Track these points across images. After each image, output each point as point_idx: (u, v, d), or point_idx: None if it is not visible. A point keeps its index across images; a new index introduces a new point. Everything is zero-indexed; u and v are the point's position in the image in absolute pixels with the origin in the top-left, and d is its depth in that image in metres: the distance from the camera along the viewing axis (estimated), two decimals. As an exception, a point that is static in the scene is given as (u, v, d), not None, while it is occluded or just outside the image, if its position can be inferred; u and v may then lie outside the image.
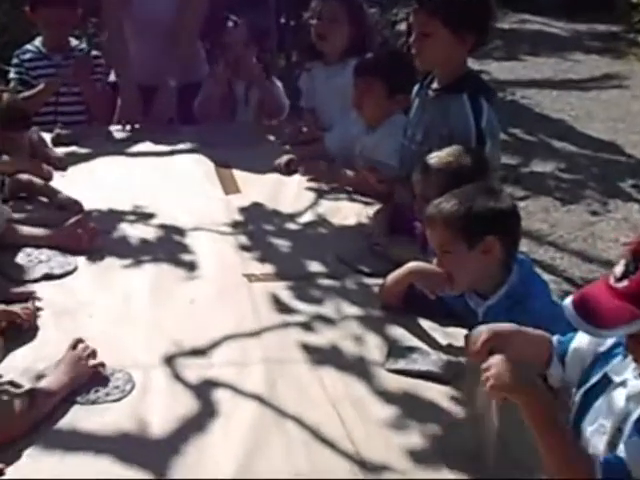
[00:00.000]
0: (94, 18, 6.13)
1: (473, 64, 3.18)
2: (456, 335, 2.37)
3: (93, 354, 2.16)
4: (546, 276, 3.98)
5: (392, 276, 2.50)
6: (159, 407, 2.05)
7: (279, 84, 4.35)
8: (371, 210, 3.21)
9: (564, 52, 9.53)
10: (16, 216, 3.01)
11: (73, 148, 3.87)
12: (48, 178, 3.42)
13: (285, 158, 3.71)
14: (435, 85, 3.00)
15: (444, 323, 2.43)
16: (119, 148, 3.95)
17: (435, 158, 2.65)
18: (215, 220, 3.17)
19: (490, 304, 2.30)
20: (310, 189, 3.50)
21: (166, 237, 3.04)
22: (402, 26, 7.62)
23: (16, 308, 2.34)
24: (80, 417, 1.99)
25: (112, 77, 4.41)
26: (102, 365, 2.14)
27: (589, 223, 5.22)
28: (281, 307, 2.55)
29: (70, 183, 3.43)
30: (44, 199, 3.24)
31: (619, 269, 1.61)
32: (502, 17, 10.29)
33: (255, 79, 4.22)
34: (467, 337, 1.99)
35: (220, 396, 2.10)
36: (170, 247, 2.96)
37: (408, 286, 2.46)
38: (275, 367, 2.23)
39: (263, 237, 3.06)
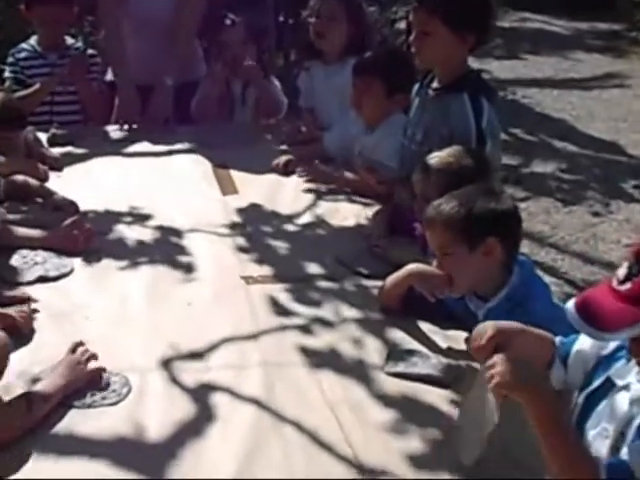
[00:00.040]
0: (90, 16, 6.12)
1: (473, 63, 3.18)
2: (456, 338, 2.38)
3: (93, 357, 2.16)
4: (547, 278, 3.98)
5: (391, 278, 2.50)
6: (156, 411, 2.05)
7: (277, 83, 4.36)
8: (370, 211, 3.21)
9: (565, 51, 9.54)
10: (11, 217, 3.02)
11: (69, 148, 3.87)
12: (44, 179, 3.42)
13: (284, 158, 3.71)
14: (435, 84, 3.01)
15: (444, 326, 2.44)
16: (116, 148, 3.95)
17: (436, 158, 2.65)
18: (212, 221, 3.17)
19: (490, 306, 2.30)
20: (309, 190, 3.50)
21: (163, 238, 3.04)
22: (401, 24, 7.62)
23: (11, 311, 2.34)
24: (76, 421, 1.98)
25: (109, 76, 4.41)
26: (103, 370, 2.14)
27: (591, 224, 5.23)
28: (279, 309, 2.55)
29: (66, 184, 3.43)
30: (40, 200, 3.24)
31: (622, 271, 1.61)
32: (502, 15, 10.31)
33: (252, 78, 4.22)
34: (471, 333, 1.99)
35: (218, 400, 2.10)
36: (167, 249, 2.96)
37: (408, 288, 2.46)
38: (273, 370, 2.23)
39: (261, 238, 3.06)
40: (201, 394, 2.12)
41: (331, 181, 3.52)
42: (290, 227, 3.18)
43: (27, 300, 2.46)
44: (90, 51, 4.50)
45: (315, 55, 4.11)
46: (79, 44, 4.55)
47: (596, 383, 1.80)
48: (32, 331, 2.35)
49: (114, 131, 4.17)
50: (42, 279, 2.66)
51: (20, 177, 3.27)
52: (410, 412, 2.05)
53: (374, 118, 3.48)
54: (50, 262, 2.75)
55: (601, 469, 1.63)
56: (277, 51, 6.62)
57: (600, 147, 6.57)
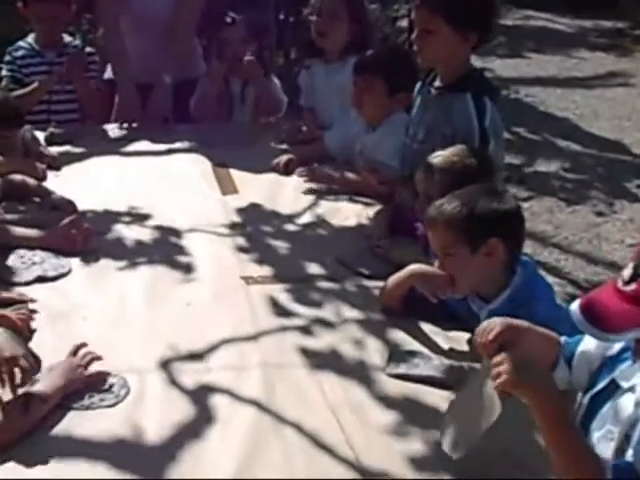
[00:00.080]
0: (88, 14, 6.13)
1: (476, 61, 3.18)
2: (458, 339, 2.38)
3: (97, 358, 2.16)
4: (550, 278, 3.98)
5: (393, 279, 2.50)
6: (155, 412, 2.05)
7: (277, 81, 4.36)
8: (371, 211, 3.21)
9: (569, 49, 9.54)
10: (9, 217, 3.02)
11: (67, 147, 3.87)
12: (42, 178, 3.42)
13: (284, 158, 3.71)
14: (438, 83, 3.01)
15: (446, 327, 2.44)
16: (114, 147, 3.95)
17: (439, 157, 2.65)
18: (212, 221, 3.17)
19: (493, 308, 2.29)
20: (309, 189, 3.50)
21: (162, 238, 3.04)
22: (403, 22, 7.64)
23: (10, 312, 2.34)
24: (74, 423, 1.98)
25: (107, 74, 4.42)
26: (105, 374, 2.14)
27: (594, 224, 5.23)
28: (279, 310, 2.56)
29: (64, 183, 3.43)
30: (37, 200, 3.24)
31: (627, 272, 1.61)
32: (505, 13, 10.32)
33: (252, 76, 4.22)
34: (473, 333, 1.99)
35: (217, 401, 2.10)
36: (166, 248, 2.96)
37: (409, 289, 2.46)
38: (273, 372, 2.23)
39: (261, 238, 3.06)
40: (200, 395, 2.12)
41: (332, 183, 3.51)
42: (290, 227, 3.18)
43: (26, 301, 2.47)
44: (88, 49, 4.50)
45: (316, 53, 4.11)
46: (77, 42, 4.55)
47: (601, 385, 1.80)
48: (30, 331, 2.35)
49: (112, 130, 4.17)
50: (40, 279, 2.66)
51: (18, 176, 3.28)
52: (412, 414, 2.05)
53: (375, 117, 3.48)
54: (48, 262, 2.75)
55: (606, 469, 1.63)
56: (277, 49, 6.64)
57: (604, 146, 6.57)
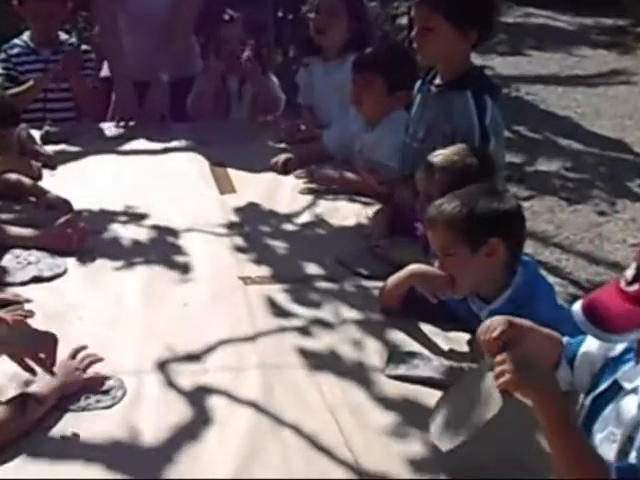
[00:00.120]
0: (84, 12, 6.13)
1: (476, 59, 3.18)
2: (458, 340, 2.38)
3: (98, 360, 2.17)
4: (551, 278, 3.98)
5: (392, 279, 2.50)
6: (151, 414, 2.05)
7: (274, 79, 4.36)
8: (371, 210, 3.21)
9: (570, 47, 9.54)
10: (4, 217, 3.02)
11: (63, 146, 3.87)
12: (37, 177, 3.42)
13: (283, 157, 3.71)
14: (437, 81, 3.01)
15: (446, 327, 2.44)
16: (110, 146, 3.95)
17: (440, 156, 2.65)
18: (210, 221, 3.17)
19: (493, 308, 2.29)
20: (308, 189, 3.50)
21: (159, 238, 3.04)
22: (403, 20, 7.64)
23: (4, 313, 2.34)
24: (70, 424, 1.98)
25: (104, 72, 4.42)
26: (103, 378, 2.13)
27: (596, 224, 5.23)
28: (278, 311, 2.56)
29: (60, 182, 3.43)
30: (33, 199, 3.24)
31: (630, 272, 1.61)
32: (506, 10, 10.32)
33: (250, 73, 4.22)
34: (474, 334, 1.99)
35: (215, 403, 2.10)
36: (163, 248, 2.96)
37: (409, 289, 2.46)
38: (271, 373, 2.23)
39: (259, 238, 3.06)
40: (198, 397, 2.12)
41: (331, 184, 3.50)
42: (289, 227, 3.18)
43: (21, 302, 2.46)
44: (84, 47, 4.50)
45: (314, 51, 4.11)
46: (73, 40, 4.55)
47: (603, 386, 1.80)
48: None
49: (109, 128, 4.17)
50: (36, 279, 2.66)
51: (13, 176, 3.28)
52: (411, 415, 2.05)
53: (375, 115, 3.48)
54: (44, 262, 2.75)
55: (612, 471, 1.64)
56: (276, 47, 6.63)
57: (606, 145, 6.57)
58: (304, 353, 2.32)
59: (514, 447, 1.91)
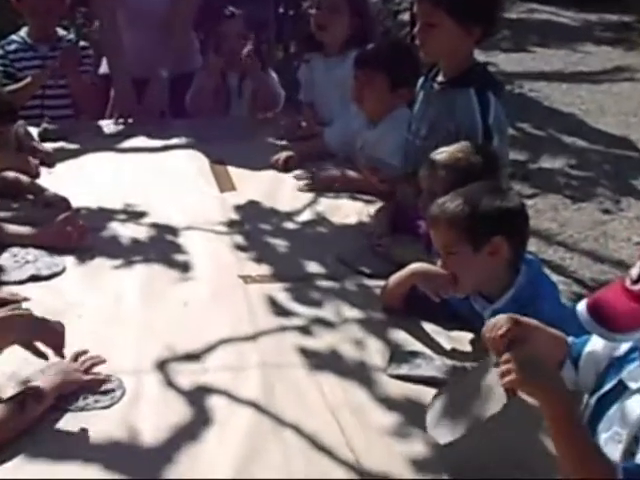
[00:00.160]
0: (83, 8, 6.14)
1: (479, 55, 3.18)
2: (461, 339, 2.38)
3: (101, 362, 2.16)
4: (555, 277, 3.99)
5: (394, 278, 2.50)
6: (151, 414, 2.05)
7: (274, 75, 4.36)
8: (372, 208, 3.21)
9: (574, 43, 9.54)
10: (1, 215, 3.02)
11: (61, 143, 3.87)
12: (35, 175, 3.42)
13: (284, 155, 3.71)
14: (440, 78, 3.01)
15: (448, 327, 2.44)
16: (109, 143, 3.95)
17: (444, 153, 2.65)
18: (209, 219, 3.17)
19: (496, 307, 2.29)
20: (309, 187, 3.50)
21: (158, 236, 3.04)
22: (405, 16, 7.65)
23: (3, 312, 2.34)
24: (68, 424, 1.98)
25: (103, 69, 4.42)
26: (103, 381, 2.13)
27: (600, 222, 5.23)
28: (278, 310, 2.56)
29: (58, 180, 3.44)
30: (31, 197, 3.24)
31: (635, 271, 1.61)
32: (509, 6, 10.33)
33: (249, 69, 4.22)
34: (477, 334, 1.99)
35: (215, 403, 2.10)
36: (162, 247, 2.96)
37: (411, 288, 2.47)
38: (272, 372, 2.23)
39: (260, 236, 3.06)
40: (197, 397, 2.12)
41: (333, 184, 3.50)
42: (290, 225, 3.18)
43: (19, 301, 2.47)
44: (82, 43, 4.50)
45: (315, 47, 4.11)
46: (71, 36, 4.55)
47: (608, 386, 1.80)
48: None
49: (108, 126, 4.18)
50: (34, 278, 2.67)
51: (11, 173, 3.28)
52: (413, 415, 2.05)
53: (376, 113, 3.48)
54: (42, 260, 2.75)
55: (617, 469, 1.64)
56: (277, 43, 6.64)
57: (610, 142, 6.57)
58: (305, 352, 2.32)
59: (515, 447, 1.91)
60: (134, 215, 3.19)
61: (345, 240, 3.03)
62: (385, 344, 2.37)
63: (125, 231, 3.06)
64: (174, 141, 3.99)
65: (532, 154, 6.23)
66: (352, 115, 3.64)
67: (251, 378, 2.20)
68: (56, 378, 2.06)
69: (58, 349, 2.08)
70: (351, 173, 3.51)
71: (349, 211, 3.27)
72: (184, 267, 2.80)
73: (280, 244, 3.01)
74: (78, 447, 1.93)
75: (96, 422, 2.00)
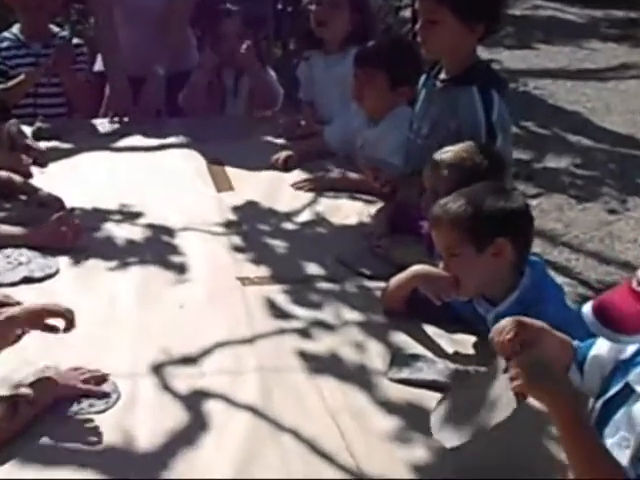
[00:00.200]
0: (78, 4, 6.14)
1: (483, 53, 3.20)
2: (464, 342, 2.38)
3: (100, 377, 2.16)
4: (560, 279, 3.99)
5: (395, 280, 2.50)
6: (146, 419, 2.05)
7: (272, 73, 4.36)
8: (373, 209, 3.21)
9: (579, 40, 9.54)
10: (-6, 215, 3.03)
11: (55, 143, 3.87)
12: (28, 175, 3.42)
13: (284, 154, 3.71)
14: (443, 76, 3.01)
15: (451, 329, 2.44)
16: (104, 142, 3.96)
17: (449, 153, 2.65)
18: (206, 219, 3.17)
19: (500, 310, 2.29)
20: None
21: (154, 237, 3.05)
22: (407, 12, 7.64)
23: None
24: (63, 429, 1.98)
25: (97, 67, 4.42)
26: (100, 394, 2.12)
27: (606, 222, 5.23)
28: (277, 312, 2.56)
29: (51, 180, 3.44)
30: (24, 197, 3.24)
31: (643, 272, 1.62)
32: (513, 3, 10.32)
33: (247, 65, 4.22)
34: (479, 337, 2.00)
35: (212, 407, 2.10)
36: (158, 248, 2.96)
37: (412, 290, 2.47)
38: (270, 376, 2.23)
39: (258, 237, 3.07)
40: (194, 401, 2.12)
41: (334, 185, 3.49)
42: (289, 225, 3.18)
43: (12, 303, 2.46)
44: (76, 40, 4.49)
45: (315, 44, 4.12)
46: (64, 33, 4.55)
47: (614, 389, 1.80)
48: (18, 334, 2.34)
49: (102, 124, 4.18)
50: (26, 280, 2.67)
51: (3, 173, 3.29)
52: (415, 420, 2.05)
53: (377, 111, 3.48)
54: (35, 262, 2.75)
55: (627, 474, 1.64)
56: (275, 40, 6.63)
57: (616, 141, 6.57)
58: (304, 356, 2.32)
59: (519, 451, 1.92)
60: (129, 215, 3.19)
61: (345, 241, 3.03)
62: (386, 347, 2.37)
63: (120, 232, 3.06)
64: (170, 140, 3.99)
65: (536, 153, 6.23)
66: (352, 113, 3.64)
67: (249, 382, 2.20)
68: (52, 383, 2.05)
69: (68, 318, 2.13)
70: (351, 174, 3.51)
71: (349, 211, 3.27)
72: (180, 268, 2.81)
73: (279, 245, 3.01)
74: (72, 452, 1.93)
75: (91, 427, 2.00)
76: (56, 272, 2.74)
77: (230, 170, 3.65)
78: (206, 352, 2.32)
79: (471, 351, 2.35)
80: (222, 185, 3.51)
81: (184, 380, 2.20)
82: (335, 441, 1.97)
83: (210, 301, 2.61)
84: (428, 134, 3.01)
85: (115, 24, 4.25)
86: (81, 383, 2.11)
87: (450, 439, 1.83)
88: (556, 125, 6.89)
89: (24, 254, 2.79)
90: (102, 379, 2.14)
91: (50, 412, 2.02)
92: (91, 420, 2.03)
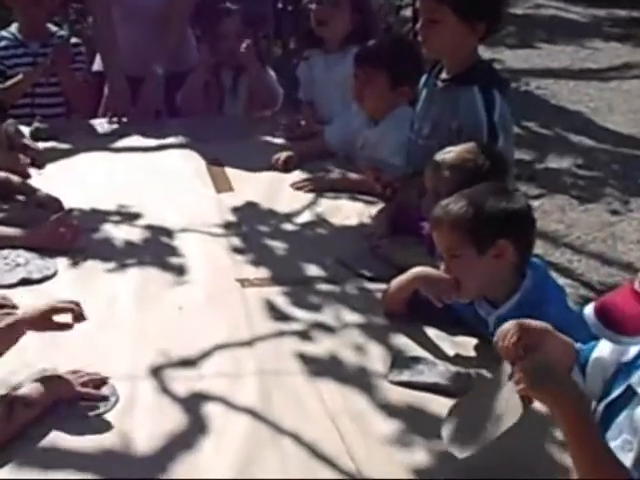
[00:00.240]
0: (76, 3, 6.15)
1: (484, 52, 3.19)
2: (465, 344, 2.38)
3: (100, 381, 2.15)
4: (562, 280, 3.99)
5: (396, 282, 2.50)
6: (145, 422, 2.05)
7: (272, 73, 4.36)
8: (373, 209, 3.21)
9: (582, 39, 9.54)
10: (-8, 216, 3.03)
11: (53, 143, 3.87)
12: (26, 175, 3.42)
13: (284, 155, 3.71)
14: (444, 75, 3.01)
15: (452, 332, 2.44)
16: (102, 143, 3.96)
17: (451, 153, 2.65)
18: (206, 220, 3.17)
19: (501, 313, 2.29)
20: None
21: (153, 238, 3.05)
22: (408, 12, 7.64)
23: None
24: (60, 432, 1.98)
25: (96, 66, 4.42)
26: (99, 398, 2.11)
27: (609, 223, 5.23)
28: (277, 314, 2.56)
29: (49, 181, 3.44)
30: (22, 198, 3.24)
31: (645, 273, 1.62)
32: (515, 1, 10.34)
33: (247, 63, 4.21)
34: (480, 339, 2.00)
35: (211, 410, 2.10)
36: (157, 249, 2.96)
37: (413, 292, 2.46)
38: (270, 379, 2.23)
39: (257, 239, 3.07)
40: (193, 404, 2.12)
41: (335, 186, 3.49)
42: (288, 226, 3.18)
43: (9, 305, 2.47)
44: (74, 40, 4.50)
45: (315, 43, 4.12)
46: (62, 32, 4.55)
47: (616, 392, 1.81)
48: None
49: (101, 124, 4.18)
50: (25, 281, 2.67)
51: (2, 174, 3.28)
52: (415, 423, 2.06)
53: (378, 111, 3.48)
54: (33, 264, 2.75)
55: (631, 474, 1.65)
56: (275, 40, 6.64)
57: (619, 141, 6.57)
58: (304, 358, 2.32)
59: (521, 452, 1.91)
60: (128, 216, 3.19)
61: (345, 242, 3.03)
62: (386, 349, 2.37)
63: (119, 233, 3.06)
64: (169, 140, 4.00)
65: (538, 154, 6.23)
66: (353, 113, 3.64)
67: (248, 385, 2.20)
68: (49, 384, 2.05)
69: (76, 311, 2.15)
70: (352, 175, 3.51)
71: (349, 212, 3.27)
72: (179, 270, 2.81)
73: (278, 246, 3.01)
74: (71, 455, 1.93)
75: (89, 429, 2.00)
76: (54, 273, 2.74)
77: (230, 171, 3.65)
78: (205, 354, 2.32)
79: (472, 353, 2.35)
80: (221, 186, 3.51)
81: (183, 383, 2.20)
82: (335, 444, 1.97)
83: (209, 303, 2.61)
84: (429, 134, 3.01)
85: (114, 23, 4.25)
86: (80, 386, 2.11)
87: (461, 449, 1.84)
88: (558, 125, 6.89)
89: (22, 255, 2.79)
90: (101, 382, 2.14)
91: (48, 415, 2.02)
92: (90, 423, 2.02)
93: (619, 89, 7.91)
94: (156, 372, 2.24)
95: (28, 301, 2.52)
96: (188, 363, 2.29)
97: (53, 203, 3.15)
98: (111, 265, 2.82)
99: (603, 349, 1.91)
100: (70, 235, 2.88)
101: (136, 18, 4.20)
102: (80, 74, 4.33)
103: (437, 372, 2.22)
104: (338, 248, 2.96)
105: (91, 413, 2.05)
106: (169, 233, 3.07)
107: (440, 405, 2.11)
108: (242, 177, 3.59)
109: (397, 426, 2.05)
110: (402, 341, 2.41)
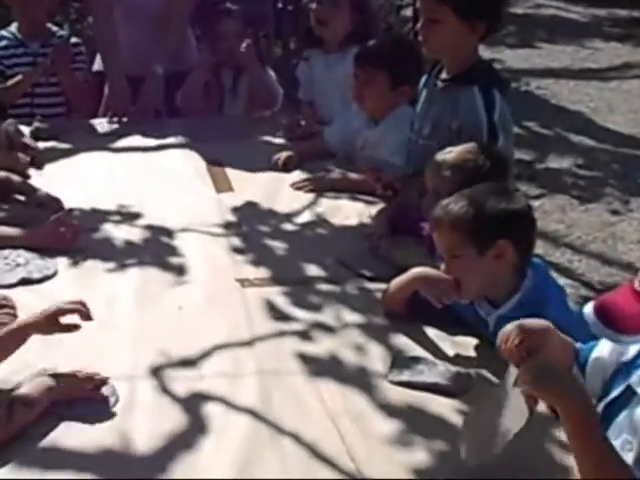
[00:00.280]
0: (77, 3, 6.15)
1: (484, 52, 3.20)
2: (465, 345, 2.38)
3: (100, 381, 2.15)
4: (563, 280, 3.99)
5: (396, 282, 2.50)
6: (145, 422, 2.05)
7: (272, 73, 4.36)
8: (373, 209, 3.21)
9: (582, 39, 9.53)
10: (-8, 216, 3.03)
11: (53, 143, 3.87)
12: (26, 174, 3.42)
13: (284, 155, 3.71)
14: (444, 75, 3.01)
15: (452, 332, 2.44)
16: (102, 143, 3.96)
17: (450, 154, 2.65)
18: (206, 220, 3.17)
19: (502, 313, 2.29)
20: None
21: (153, 238, 3.05)
22: (408, 11, 7.64)
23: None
24: (60, 432, 1.98)
25: (96, 66, 4.42)
26: (100, 397, 2.11)
27: (609, 223, 5.23)
28: (277, 314, 2.56)
29: (49, 180, 3.43)
30: (22, 198, 3.24)
31: (645, 273, 1.62)
32: (515, 1, 10.33)
33: (246, 62, 4.21)
34: (481, 339, 2.00)
35: (211, 410, 2.10)
36: (157, 249, 2.96)
37: (413, 292, 2.46)
38: (270, 379, 2.23)
39: (257, 239, 3.07)
40: (193, 404, 2.12)
41: (335, 186, 3.49)
42: (288, 226, 3.18)
43: (9, 306, 2.47)
44: (74, 39, 4.50)
45: (315, 43, 4.12)
46: (62, 32, 4.55)
47: (616, 392, 1.81)
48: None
49: (101, 124, 4.18)
50: (24, 281, 2.67)
51: (1, 173, 3.28)
52: (415, 423, 2.06)
53: (378, 111, 3.48)
54: (33, 263, 2.75)
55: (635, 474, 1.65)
56: (275, 39, 6.63)
57: (619, 141, 6.57)
58: (304, 358, 2.32)
59: (521, 453, 1.91)
60: (128, 216, 3.19)
61: (345, 242, 3.03)
62: (386, 349, 2.37)
63: (119, 233, 3.06)
64: (169, 140, 3.99)
65: (539, 154, 6.22)
66: (353, 113, 3.64)
67: (248, 385, 2.20)
68: (48, 384, 2.05)
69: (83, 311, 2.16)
70: (352, 175, 3.51)
71: (349, 212, 3.27)
72: (179, 270, 2.81)
73: (278, 246, 3.01)
74: (71, 455, 1.93)
75: (89, 430, 2.00)
76: (54, 273, 2.74)
77: (230, 171, 3.65)
78: (205, 354, 2.32)
79: (472, 353, 2.35)
80: (221, 186, 3.51)
81: (183, 383, 2.20)
82: (335, 444, 1.97)
83: (209, 303, 2.61)
84: (429, 134, 3.01)
85: (114, 23, 4.25)
86: (79, 386, 2.11)
87: (475, 458, 1.85)
88: (558, 125, 6.89)
89: (22, 255, 2.79)
90: (101, 382, 2.14)
91: (48, 415, 2.02)
92: (89, 423, 2.02)
93: (619, 89, 7.91)
94: (156, 372, 2.24)
95: (28, 301, 2.53)
96: (188, 363, 2.29)
97: (53, 203, 3.15)
98: (111, 265, 2.82)
99: (603, 349, 1.91)
100: (70, 235, 2.88)
101: (136, 18, 4.21)
102: (80, 74, 4.32)
103: (437, 372, 2.22)
104: (338, 248, 2.96)
105: (91, 413, 2.05)
106: (169, 233, 3.07)
107: (440, 405, 2.12)
108: (242, 177, 3.59)
109: (397, 426, 2.05)
110: (402, 341, 2.41)
